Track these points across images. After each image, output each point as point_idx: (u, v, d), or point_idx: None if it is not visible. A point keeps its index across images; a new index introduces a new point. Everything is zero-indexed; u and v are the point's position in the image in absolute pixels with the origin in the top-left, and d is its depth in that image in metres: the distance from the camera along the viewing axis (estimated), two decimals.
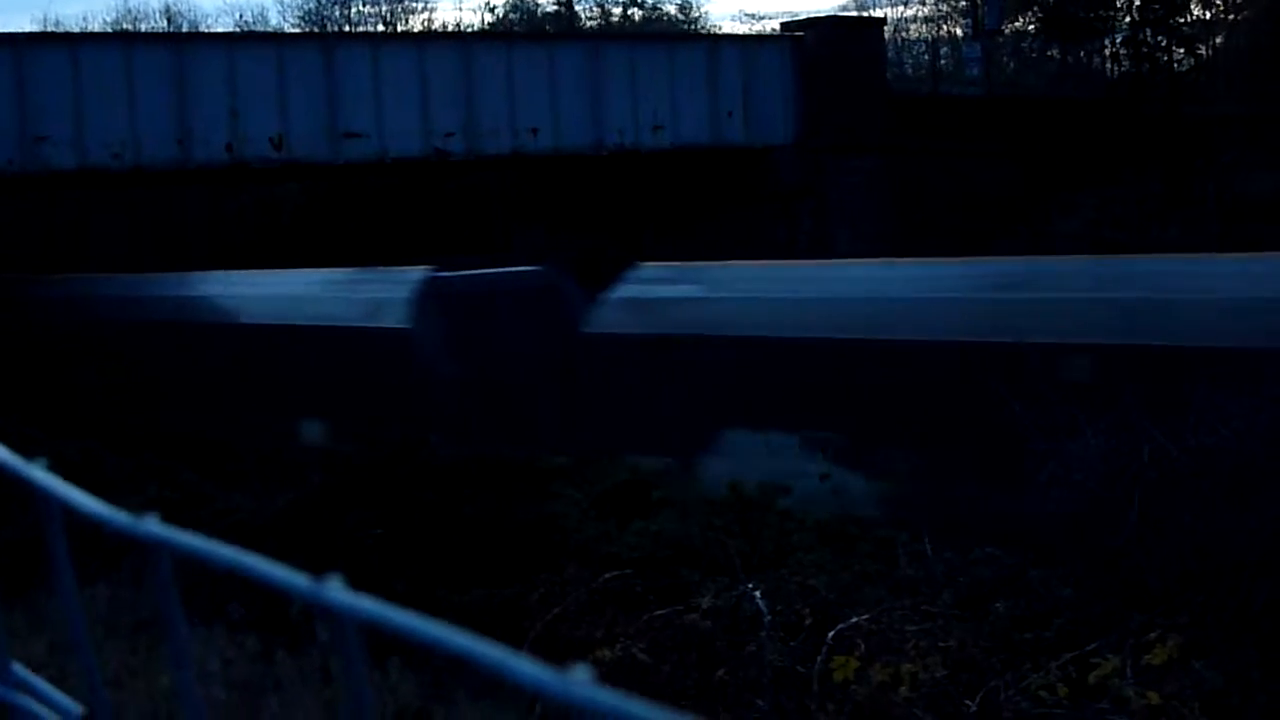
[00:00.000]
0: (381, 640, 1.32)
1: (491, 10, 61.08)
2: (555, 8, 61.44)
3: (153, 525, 1.56)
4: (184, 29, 54.72)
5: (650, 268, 23.72)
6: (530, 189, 43.99)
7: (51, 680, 1.98)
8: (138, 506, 1.77)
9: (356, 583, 1.37)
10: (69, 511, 1.73)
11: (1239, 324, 16.43)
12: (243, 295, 29.23)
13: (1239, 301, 16.90)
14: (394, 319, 24.07)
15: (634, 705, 1.14)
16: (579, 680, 1.13)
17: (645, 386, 21.64)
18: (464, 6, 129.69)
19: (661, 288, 22.85)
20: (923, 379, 18.84)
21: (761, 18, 64.61)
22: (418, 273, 24.92)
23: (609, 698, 1.13)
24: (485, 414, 22.52)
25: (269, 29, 55.41)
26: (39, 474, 1.74)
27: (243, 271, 31.73)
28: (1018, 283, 19.39)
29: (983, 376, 17.02)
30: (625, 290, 23.03)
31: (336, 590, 1.33)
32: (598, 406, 22.01)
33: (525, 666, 1.16)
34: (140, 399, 28.30)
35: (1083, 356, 17.34)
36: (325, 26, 57.42)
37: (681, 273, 23.51)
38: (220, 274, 31.42)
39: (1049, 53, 50.15)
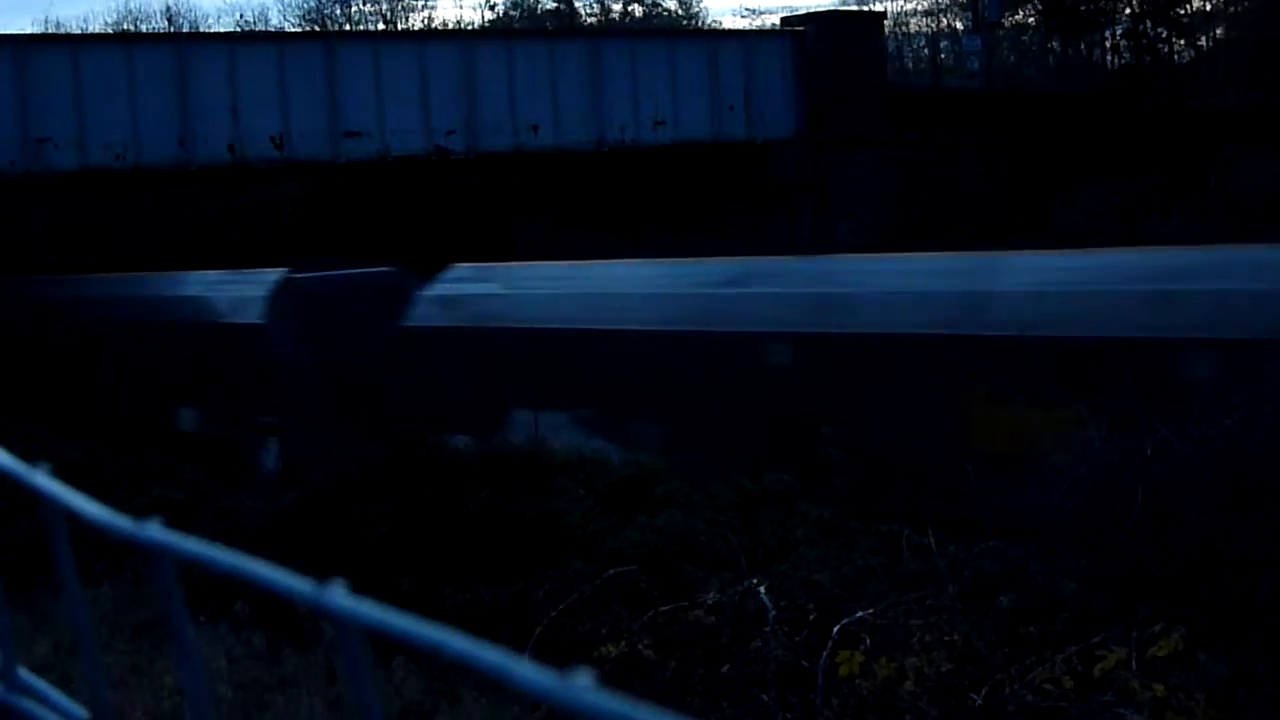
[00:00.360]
0: (387, 639, 1.32)
1: (492, 8, 61.15)
2: (555, 5, 61.44)
3: (155, 531, 1.57)
4: (185, 29, 54.72)
5: (461, 268, 26.31)
6: (532, 186, 44.00)
7: (56, 683, 1.99)
8: (141, 507, 1.77)
9: (361, 581, 1.38)
10: (72, 517, 1.74)
11: (900, 315, 19.65)
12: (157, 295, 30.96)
13: (899, 294, 20.18)
14: (253, 315, 26.57)
15: (636, 710, 1.14)
16: (580, 684, 1.14)
17: (450, 373, 24.17)
18: (464, 4, 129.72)
19: (467, 285, 25.48)
20: (661, 362, 21.78)
21: (762, 13, 64.63)
22: (275, 273, 27.42)
23: (611, 702, 1.13)
24: (331, 402, 24.71)
25: (270, 29, 55.42)
26: (42, 480, 1.75)
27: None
28: (734, 280, 22.36)
29: (704, 360, 21.15)
30: (438, 288, 25.47)
31: (339, 595, 1.33)
32: (413, 393, 24.42)
33: (526, 670, 1.16)
34: (92, 392, 29.96)
35: (782, 343, 20.69)
36: (326, 25, 57.44)
37: (483, 272, 26.37)
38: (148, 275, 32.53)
39: (1049, 45, 50.11)
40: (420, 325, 24.74)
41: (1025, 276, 19.66)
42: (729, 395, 20.77)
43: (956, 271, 20.64)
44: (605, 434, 21.56)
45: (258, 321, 26.24)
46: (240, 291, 27.70)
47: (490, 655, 1.19)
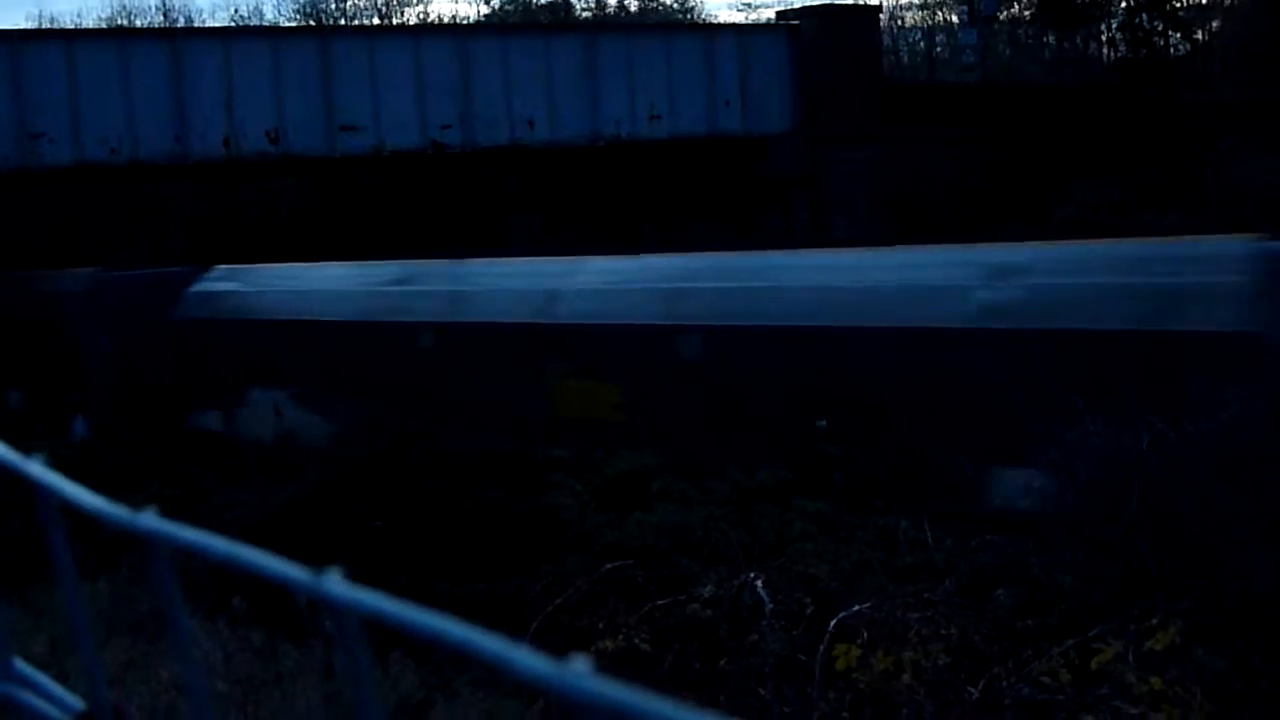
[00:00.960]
0: (383, 633, 1.32)
1: (487, 2, 61.10)
2: (550, 0, 61.45)
3: (151, 519, 1.56)
4: (179, 24, 54.69)
5: (222, 268, 29.34)
6: (528, 180, 44.00)
7: (53, 679, 1.98)
8: (139, 503, 1.77)
9: (358, 576, 1.37)
10: (68, 507, 1.73)
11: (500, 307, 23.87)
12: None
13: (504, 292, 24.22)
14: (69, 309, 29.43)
15: (633, 695, 1.13)
16: (578, 671, 1.13)
17: (205, 358, 27.45)
18: None
19: (222, 284, 28.45)
20: (349, 347, 25.47)
21: (757, 7, 64.67)
22: (89, 271, 30.28)
23: (608, 688, 1.13)
24: (124, 386, 28.11)
25: (264, 23, 55.39)
26: (37, 469, 1.74)
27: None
28: (399, 279, 26.35)
29: (378, 344, 24.83)
30: (200, 285, 28.48)
31: (336, 583, 1.33)
32: (181, 375, 27.69)
33: (524, 657, 1.16)
34: None
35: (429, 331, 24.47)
36: (320, 20, 57.41)
37: (237, 271, 29.28)
38: None
39: (1045, 39, 50.14)
40: (186, 318, 28.11)
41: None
42: (395, 375, 24.63)
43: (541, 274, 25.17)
44: (313, 409, 25.42)
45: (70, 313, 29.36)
46: (59, 287, 30.54)
47: (489, 643, 1.18)
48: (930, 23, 56.02)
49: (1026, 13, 52.10)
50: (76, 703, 1.88)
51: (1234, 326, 16.08)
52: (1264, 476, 12.67)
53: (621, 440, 20.05)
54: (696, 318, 21.40)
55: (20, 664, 2.00)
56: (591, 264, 25.06)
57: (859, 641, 11.89)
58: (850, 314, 19.99)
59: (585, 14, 60.71)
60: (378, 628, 1.36)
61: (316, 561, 1.42)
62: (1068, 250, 21.05)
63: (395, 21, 58.92)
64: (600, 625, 13.46)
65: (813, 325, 20.30)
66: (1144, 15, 47.84)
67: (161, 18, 57.82)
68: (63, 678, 2.00)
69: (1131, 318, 17.22)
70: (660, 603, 13.62)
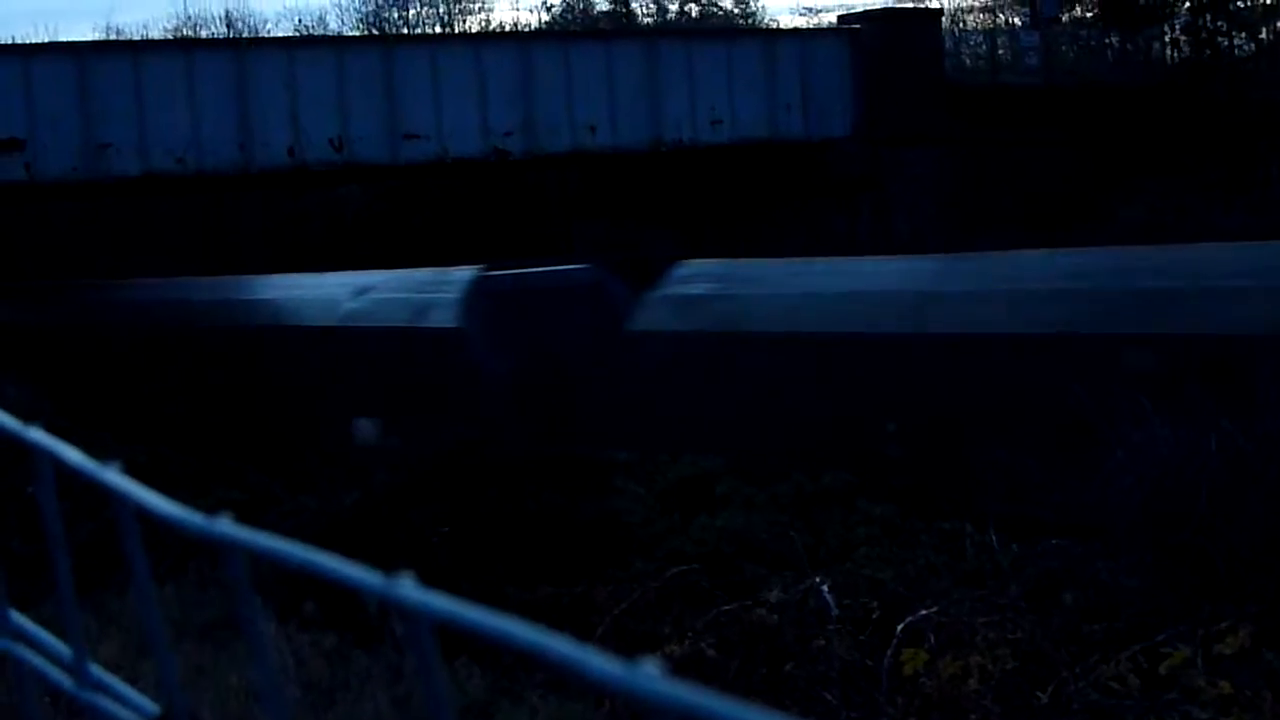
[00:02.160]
0: (450, 637, 1.33)
1: (548, 9, 61.22)
2: (611, 6, 61.48)
3: (226, 526, 1.58)
4: (244, 34, 55.06)
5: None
6: (590, 186, 44.07)
7: (125, 682, 2.01)
8: (207, 509, 1.79)
9: (424, 581, 1.39)
10: (143, 514, 1.76)
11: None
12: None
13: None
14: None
15: (704, 698, 1.15)
16: (648, 673, 1.14)
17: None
18: (520, 6, 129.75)
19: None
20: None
21: (818, 11, 64.46)
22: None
23: (679, 691, 1.14)
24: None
25: (328, 33, 55.71)
26: (113, 477, 1.77)
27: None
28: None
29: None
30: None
31: (409, 588, 1.35)
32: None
33: (595, 660, 1.17)
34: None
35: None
36: (383, 29, 57.68)
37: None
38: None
39: (1108, 40, 49.80)
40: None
41: None
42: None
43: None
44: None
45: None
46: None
47: (559, 645, 1.20)
48: (992, 25, 55.72)
49: (1089, 14, 51.78)
50: (151, 706, 1.91)
51: None
52: None
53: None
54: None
55: (96, 669, 2.03)
56: None
57: (926, 646, 11.85)
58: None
59: (646, 20, 60.73)
60: (445, 633, 1.38)
61: (384, 567, 1.44)
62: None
63: (457, 30, 59.12)
64: (666, 630, 13.47)
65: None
66: (1207, 15, 47.50)
67: (226, 28, 58.24)
68: (133, 682, 2.03)
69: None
70: (726, 608, 13.61)
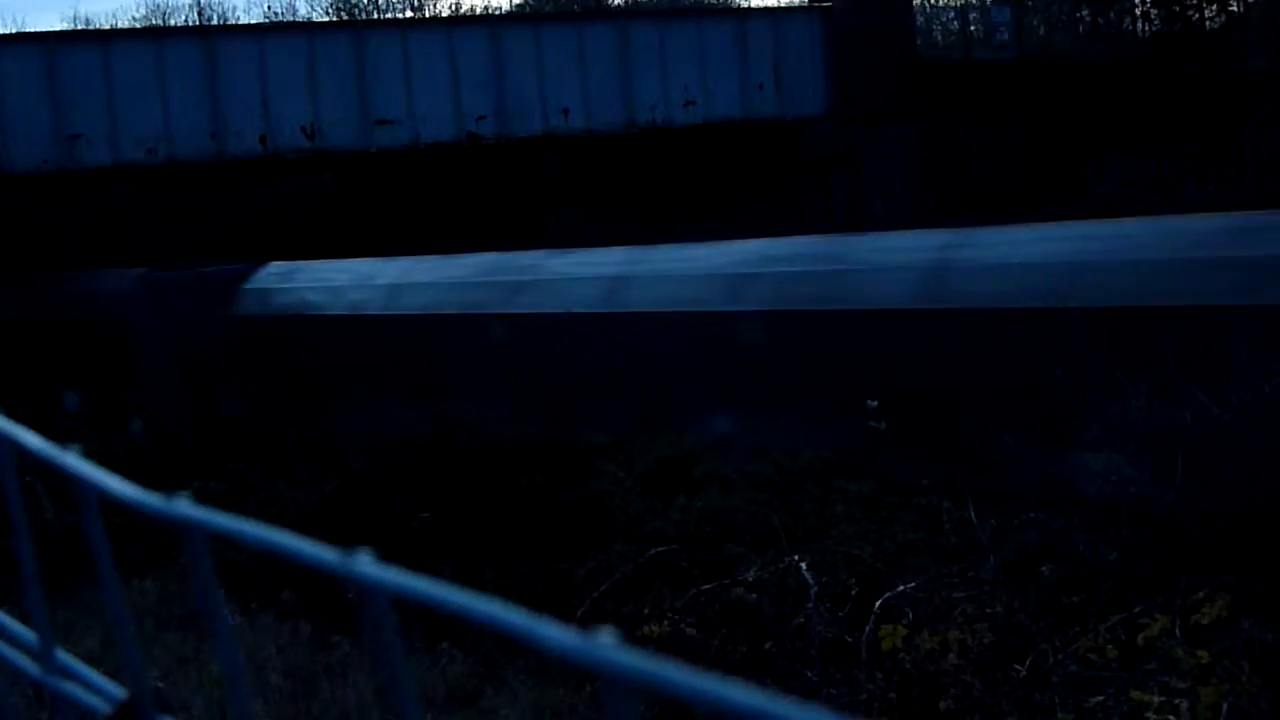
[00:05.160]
0: (432, 623, 1.32)
1: None
2: None
3: (185, 507, 1.58)
4: (214, 22, 54.88)
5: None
6: (563, 169, 44.03)
7: (105, 674, 2.01)
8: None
9: (404, 566, 1.39)
10: (105, 498, 1.76)
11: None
12: None
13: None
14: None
15: (662, 667, 1.15)
16: (605, 643, 1.14)
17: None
18: None
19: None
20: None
21: None
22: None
23: (635, 660, 1.14)
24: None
25: (298, 19, 55.54)
26: (73, 460, 1.77)
27: None
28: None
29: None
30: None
31: (365, 563, 1.34)
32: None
33: (550, 631, 1.17)
34: None
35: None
36: (354, 14, 57.54)
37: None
38: None
39: (1079, 15, 49.87)
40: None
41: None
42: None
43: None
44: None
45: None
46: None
47: (515, 617, 1.20)
48: (963, 1, 55.77)
49: None
50: (118, 691, 1.90)
51: None
52: None
53: None
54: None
55: (63, 655, 2.02)
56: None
57: (905, 622, 11.89)
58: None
59: (617, 1, 60.68)
60: (426, 618, 1.38)
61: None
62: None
63: (428, 14, 59.00)
64: (645, 611, 13.49)
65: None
66: None
67: (196, 16, 58.06)
68: (115, 674, 2.03)
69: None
70: (705, 587, 13.64)
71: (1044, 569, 13.25)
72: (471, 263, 25.78)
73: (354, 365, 25.83)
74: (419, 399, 23.56)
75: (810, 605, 12.61)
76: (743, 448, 19.31)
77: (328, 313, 26.41)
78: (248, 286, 27.94)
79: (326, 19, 55.73)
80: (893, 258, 21.14)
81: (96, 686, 1.90)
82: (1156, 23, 48.52)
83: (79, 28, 52.88)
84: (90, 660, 2.04)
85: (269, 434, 24.04)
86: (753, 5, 57.97)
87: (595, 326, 22.28)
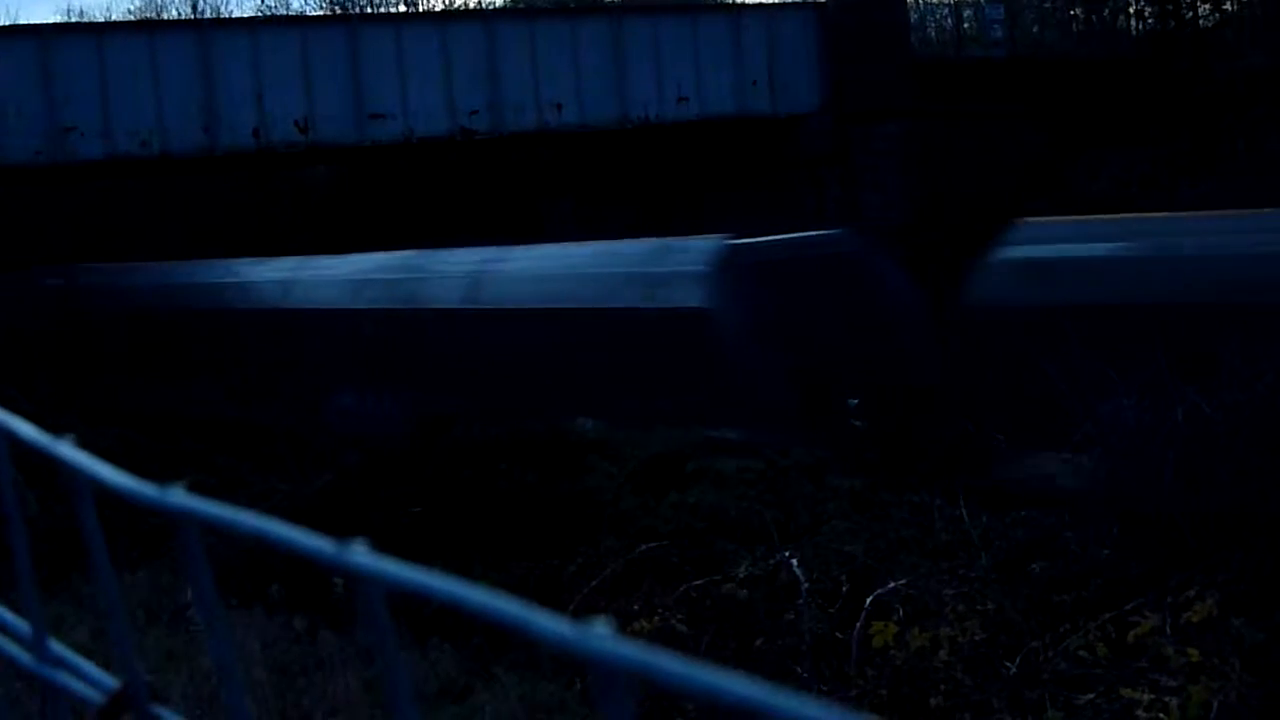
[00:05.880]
0: (422, 619, 1.32)
1: None
2: None
3: (178, 496, 1.58)
4: (208, 15, 54.79)
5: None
6: (557, 164, 43.99)
7: (98, 665, 2.01)
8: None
9: (396, 559, 1.39)
10: (98, 488, 1.76)
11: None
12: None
13: None
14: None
15: (657, 657, 1.15)
16: (599, 633, 1.14)
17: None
18: None
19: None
20: None
21: None
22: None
23: (629, 650, 1.14)
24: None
25: (292, 13, 55.46)
26: (67, 450, 1.77)
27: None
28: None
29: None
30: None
31: (361, 554, 1.34)
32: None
33: (544, 621, 1.17)
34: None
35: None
36: (348, 8, 57.45)
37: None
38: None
39: (1072, 12, 49.88)
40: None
41: None
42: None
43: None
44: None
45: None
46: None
47: (509, 608, 1.20)
48: None
49: None
50: (111, 681, 1.90)
51: None
52: None
53: None
54: None
55: (56, 645, 2.02)
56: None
57: (895, 618, 11.91)
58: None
59: None
60: (415, 613, 1.38)
61: None
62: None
63: (421, 8, 58.92)
64: (636, 606, 13.50)
65: None
66: None
67: (190, 9, 57.95)
68: (107, 665, 2.03)
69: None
70: (696, 583, 13.65)
71: (1035, 566, 13.27)
72: None
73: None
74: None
75: (801, 602, 12.62)
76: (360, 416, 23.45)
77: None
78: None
79: (320, 12, 55.63)
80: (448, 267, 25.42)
81: (89, 677, 1.90)
82: (1150, 21, 48.52)
83: (73, 20, 52.84)
84: (80, 652, 2.05)
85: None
86: (747, 1, 57.91)
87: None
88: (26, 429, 1.87)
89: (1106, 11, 48.83)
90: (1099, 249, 19.35)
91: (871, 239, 23.04)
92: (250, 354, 27.03)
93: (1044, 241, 19.84)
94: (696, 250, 20.78)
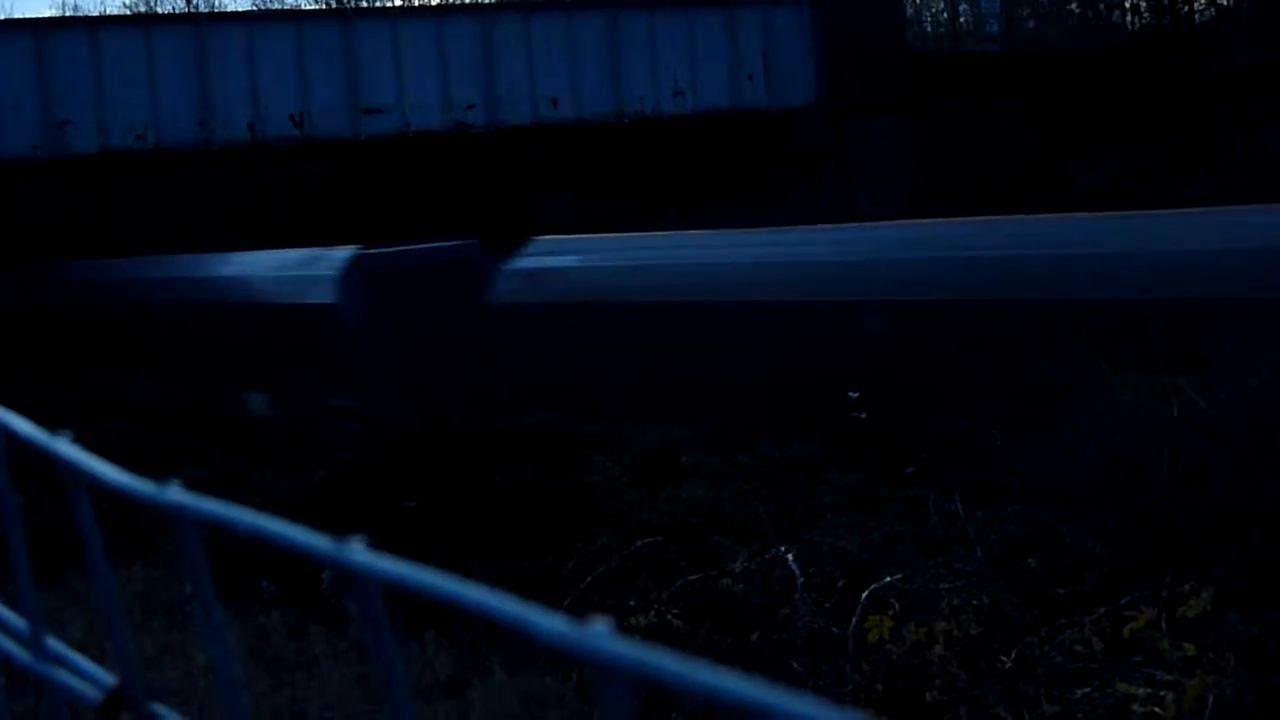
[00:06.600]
0: (416, 613, 1.32)
1: None
2: None
3: (175, 493, 1.58)
4: (203, 9, 54.73)
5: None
6: (552, 159, 44.00)
7: (91, 660, 2.01)
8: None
9: (392, 555, 1.38)
10: (95, 484, 1.75)
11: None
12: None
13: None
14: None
15: (655, 656, 1.15)
16: (598, 632, 1.14)
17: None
18: None
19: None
20: None
21: None
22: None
23: (628, 649, 1.14)
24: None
25: (287, 7, 55.40)
26: (64, 446, 1.76)
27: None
28: None
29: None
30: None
31: (358, 551, 1.34)
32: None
33: (543, 620, 1.17)
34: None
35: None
36: (343, 2, 57.38)
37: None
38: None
39: (1068, 7, 49.88)
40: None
41: None
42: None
43: None
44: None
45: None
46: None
47: (507, 605, 1.20)
48: None
49: None
50: (108, 678, 1.90)
51: None
52: None
53: None
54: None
55: (53, 642, 2.02)
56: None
57: (891, 613, 11.89)
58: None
59: None
60: (410, 606, 1.38)
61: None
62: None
63: (417, 2, 58.82)
64: (632, 601, 13.48)
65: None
66: None
67: (185, 3, 57.88)
68: (101, 660, 2.02)
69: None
70: (692, 578, 13.64)
71: (1030, 561, 13.27)
72: None
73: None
74: None
75: (797, 596, 12.61)
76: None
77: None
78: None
79: (315, 7, 55.56)
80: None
81: (87, 674, 1.89)
82: (1146, 16, 48.54)
83: (68, 14, 52.73)
84: (75, 647, 2.04)
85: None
86: None
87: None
88: (22, 425, 1.87)
89: (1102, 6, 48.84)
90: (573, 260, 24.90)
91: (481, 250, 26.39)
92: (248, 348, 27.15)
93: (545, 254, 25.27)
94: (332, 259, 25.87)
